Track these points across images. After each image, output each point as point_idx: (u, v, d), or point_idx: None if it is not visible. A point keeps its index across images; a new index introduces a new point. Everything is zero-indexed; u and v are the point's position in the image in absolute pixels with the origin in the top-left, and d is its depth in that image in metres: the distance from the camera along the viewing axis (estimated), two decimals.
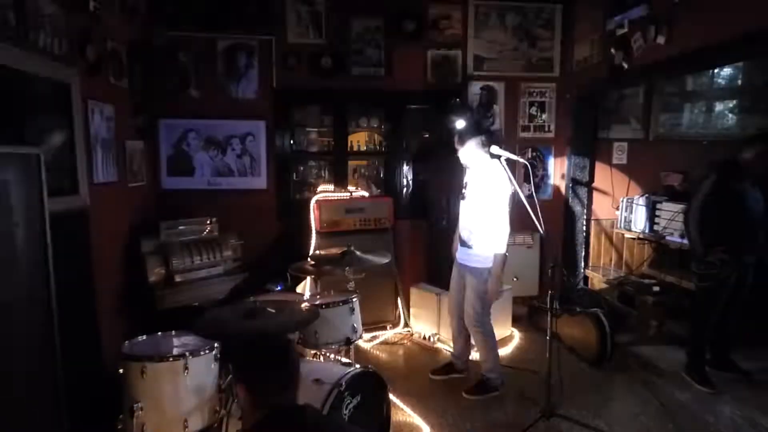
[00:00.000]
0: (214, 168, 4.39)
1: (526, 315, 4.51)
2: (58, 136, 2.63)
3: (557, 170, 4.90)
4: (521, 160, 3.22)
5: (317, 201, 4.06)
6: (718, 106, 5.11)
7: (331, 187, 4.46)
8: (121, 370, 1.95)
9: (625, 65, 3.81)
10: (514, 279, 4.78)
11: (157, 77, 4.14)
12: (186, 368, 1.94)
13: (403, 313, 4.22)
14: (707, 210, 3.14)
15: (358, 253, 2.91)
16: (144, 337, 2.19)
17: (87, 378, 2.59)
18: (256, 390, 1.40)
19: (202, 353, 2.00)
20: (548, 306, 2.80)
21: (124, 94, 3.59)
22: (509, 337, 4.14)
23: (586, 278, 4.92)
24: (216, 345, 2.07)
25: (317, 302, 2.60)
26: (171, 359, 1.94)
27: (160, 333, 2.22)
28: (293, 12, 4.34)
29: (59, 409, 1.66)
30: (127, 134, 3.61)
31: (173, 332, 2.24)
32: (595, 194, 4.90)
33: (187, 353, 1.96)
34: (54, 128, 2.62)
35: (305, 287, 3.57)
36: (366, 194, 4.39)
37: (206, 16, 4.20)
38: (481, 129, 3.12)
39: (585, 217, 4.83)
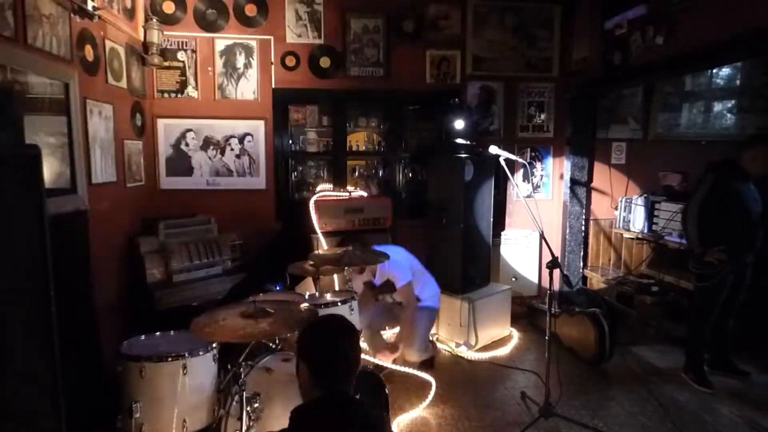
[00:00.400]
0: (213, 168, 4.39)
1: (525, 315, 4.51)
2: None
3: (556, 170, 4.90)
4: (520, 160, 3.23)
5: (316, 201, 4.05)
6: (717, 106, 5.12)
7: (330, 187, 4.46)
8: (119, 370, 1.96)
9: (624, 65, 3.81)
10: (513, 279, 4.79)
11: (156, 77, 4.14)
12: (185, 368, 1.94)
13: None
14: (706, 210, 3.15)
15: (357, 253, 2.91)
16: (143, 337, 2.19)
17: (86, 378, 2.59)
18: (319, 372, 1.45)
19: (200, 353, 2.00)
20: (547, 306, 2.80)
21: (123, 94, 3.59)
22: (508, 337, 4.14)
23: (584, 278, 4.93)
24: (214, 345, 2.07)
25: (316, 302, 2.60)
26: (170, 359, 1.94)
27: (158, 333, 2.23)
28: (292, 11, 4.34)
29: (58, 409, 1.66)
30: (125, 134, 3.61)
31: (172, 332, 2.24)
32: (593, 194, 4.90)
33: (185, 353, 1.96)
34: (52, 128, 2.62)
35: (307, 287, 3.54)
36: (365, 194, 4.38)
37: (205, 15, 4.20)
38: None
39: (584, 217, 4.83)
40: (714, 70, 4.94)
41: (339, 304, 2.64)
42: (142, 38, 3.85)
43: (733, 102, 5.12)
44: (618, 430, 2.78)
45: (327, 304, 2.60)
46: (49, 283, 1.61)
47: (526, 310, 4.54)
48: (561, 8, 4.68)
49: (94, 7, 2.93)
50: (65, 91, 2.73)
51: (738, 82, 5.08)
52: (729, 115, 5.14)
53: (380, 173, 4.92)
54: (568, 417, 2.84)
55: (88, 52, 2.96)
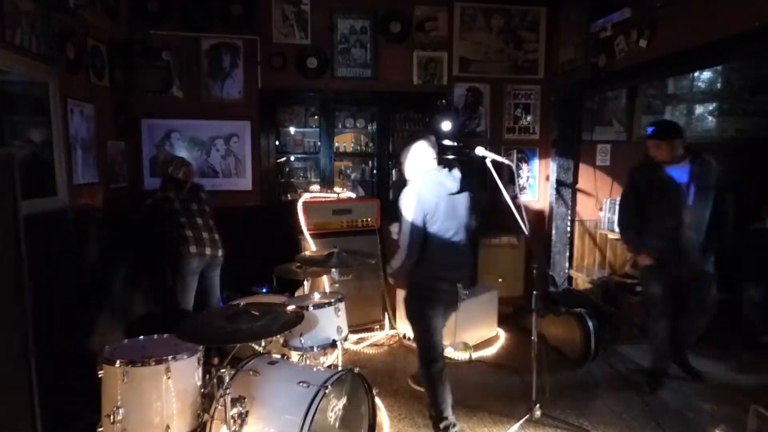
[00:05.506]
0: (198, 169, 4.33)
1: (512, 315, 4.53)
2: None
3: (542, 172, 4.94)
4: (506, 161, 3.24)
5: (304, 203, 4.03)
6: (699, 109, 5.21)
7: (317, 188, 4.43)
8: (101, 374, 1.91)
9: (609, 68, 3.86)
10: (499, 280, 4.81)
11: (139, 76, 4.08)
12: (168, 372, 1.91)
13: (389, 314, 4.21)
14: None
15: (344, 254, 2.90)
16: (126, 340, 2.15)
17: (65, 381, 2.53)
18: None
19: (184, 357, 1.97)
20: (533, 306, 2.82)
21: (106, 94, 3.53)
22: (495, 338, 4.16)
23: (570, 278, 4.97)
24: (199, 348, 2.04)
25: (302, 304, 2.58)
26: (153, 363, 1.90)
27: (142, 336, 2.18)
28: (279, 11, 4.31)
29: (33, 412, 1.63)
30: (108, 134, 3.55)
31: (155, 336, 2.20)
32: (578, 195, 4.95)
33: (169, 357, 1.93)
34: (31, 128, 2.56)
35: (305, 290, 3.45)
36: (353, 195, 4.37)
37: (190, 14, 4.16)
38: None
39: (569, 218, 4.88)
40: (695, 74, 5.03)
41: (326, 306, 2.62)
42: (125, 36, 3.79)
43: (714, 105, 5.21)
44: (603, 429, 2.80)
45: (313, 306, 2.58)
46: (24, 287, 1.57)
47: (513, 311, 4.56)
48: (547, 11, 4.72)
49: (75, 4, 2.88)
50: (44, 89, 2.68)
51: (719, 85, 5.18)
52: (710, 117, 5.24)
53: (368, 174, 4.91)
54: (554, 416, 2.86)
55: (69, 50, 2.91)
